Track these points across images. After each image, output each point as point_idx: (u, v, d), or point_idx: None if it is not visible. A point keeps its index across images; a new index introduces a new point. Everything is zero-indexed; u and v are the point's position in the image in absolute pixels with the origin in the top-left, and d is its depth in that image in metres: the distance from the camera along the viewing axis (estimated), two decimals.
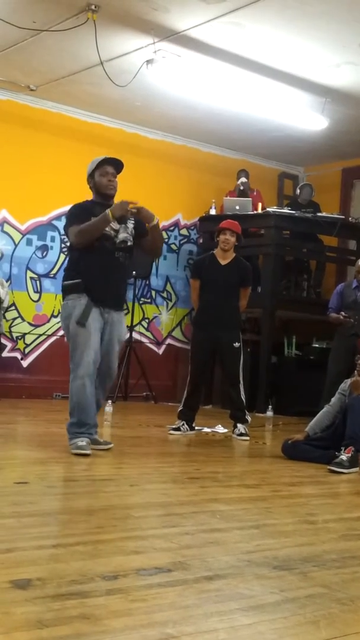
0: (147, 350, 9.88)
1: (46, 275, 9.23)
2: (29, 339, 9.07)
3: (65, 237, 9.24)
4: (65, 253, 9.26)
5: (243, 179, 9.80)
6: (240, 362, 6.42)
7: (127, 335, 8.32)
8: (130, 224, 4.78)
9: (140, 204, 4.77)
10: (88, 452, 4.64)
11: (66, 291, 4.88)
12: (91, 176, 4.89)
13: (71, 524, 3.06)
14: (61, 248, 9.32)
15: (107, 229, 4.75)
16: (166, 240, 10.22)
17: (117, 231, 4.76)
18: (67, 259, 5.17)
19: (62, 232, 9.29)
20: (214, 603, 2.10)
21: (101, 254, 4.78)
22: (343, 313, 7.40)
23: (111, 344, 4.91)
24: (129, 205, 4.68)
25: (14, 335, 8.97)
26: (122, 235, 4.74)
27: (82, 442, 4.70)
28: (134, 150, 9.69)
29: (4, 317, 8.63)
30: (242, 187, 9.73)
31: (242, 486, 4.26)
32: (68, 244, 5.13)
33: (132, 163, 10.22)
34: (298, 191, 10.00)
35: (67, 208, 5.02)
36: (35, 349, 9.14)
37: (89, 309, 4.74)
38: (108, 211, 4.67)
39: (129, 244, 4.77)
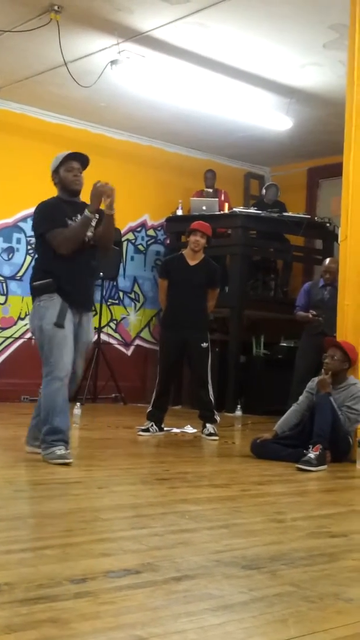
0: (116, 352, 9.86)
1: (12, 278, 9.17)
2: None
3: (31, 238, 9.23)
4: (32, 255, 9.21)
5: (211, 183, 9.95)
6: (209, 363, 6.44)
7: (95, 338, 8.28)
8: (94, 221, 4.64)
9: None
10: (70, 460, 4.42)
11: (37, 291, 4.67)
12: (56, 172, 4.73)
13: (39, 527, 3.04)
14: (27, 250, 9.27)
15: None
16: (133, 241, 10.21)
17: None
18: (36, 258, 4.93)
19: (29, 233, 9.24)
20: (183, 604, 2.10)
21: (76, 255, 4.61)
22: (312, 312, 7.45)
23: (80, 348, 4.75)
24: (97, 188, 4.53)
25: None
26: (89, 234, 4.63)
27: (61, 450, 4.45)
28: (99, 150, 9.64)
29: None
30: (210, 190, 9.86)
31: (211, 486, 4.26)
32: (35, 244, 4.95)
33: (97, 164, 10.15)
34: (264, 191, 10.06)
35: (32, 210, 4.92)
36: (2, 352, 9.07)
37: (64, 309, 4.56)
38: (86, 211, 4.53)
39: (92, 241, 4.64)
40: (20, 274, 9.19)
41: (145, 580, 2.29)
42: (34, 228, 4.86)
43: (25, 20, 6.68)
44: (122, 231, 9.82)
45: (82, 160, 4.73)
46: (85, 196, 4.73)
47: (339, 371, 5.42)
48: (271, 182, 10.40)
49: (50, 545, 2.65)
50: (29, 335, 9.21)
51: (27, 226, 9.23)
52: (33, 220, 4.85)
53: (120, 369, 9.39)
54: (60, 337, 4.53)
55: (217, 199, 9.61)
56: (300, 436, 5.29)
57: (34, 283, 4.71)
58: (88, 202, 4.63)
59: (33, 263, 5.14)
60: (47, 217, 4.67)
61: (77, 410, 6.86)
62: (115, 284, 9.93)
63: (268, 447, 5.36)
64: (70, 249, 4.57)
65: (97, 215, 4.63)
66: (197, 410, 6.73)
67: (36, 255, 4.97)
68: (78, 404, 7.13)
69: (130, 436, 6.28)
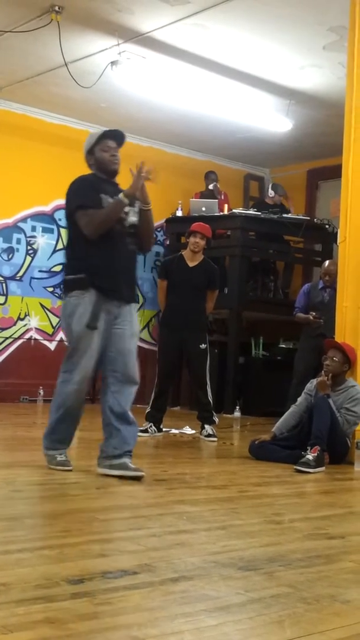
0: None
1: (12, 278, 9.17)
2: None
3: (31, 238, 9.23)
4: (32, 255, 9.21)
5: (215, 184, 9.91)
6: (207, 364, 6.44)
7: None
8: (137, 205, 4.27)
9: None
10: (70, 467, 4.24)
11: (68, 287, 4.23)
12: (90, 153, 4.34)
13: (37, 528, 3.04)
14: (27, 250, 9.27)
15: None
16: None
17: (126, 213, 4.24)
18: (68, 247, 4.41)
19: (29, 233, 9.24)
20: (180, 605, 2.10)
21: (110, 240, 4.19)
22: (313, 314, 7.46)
23: (123, 342, 4.23)
24: (141, 176, 4.17)
25: None
26: (132, 219, 4.25)
27: (62, 456, 4.28)
28: None
29: None
30: (211, 187, 9.82)
31: (209, 487, 4.26)
32: (67, 229, 4.43)
33: None
34: (271, 192, 10.00)
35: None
36: (1, 353, 9.07)
37: (97, 308, 4.15)
38: (121, 195, 4.16)
39: (137, 225, 4.26)
40: (20, 274, 9.19)
41: (143, 581, 2.29)
42: (65, 205, 4.36)
43: (25, 20, 6.68)
44: None
45: (118, 138, 4.38)
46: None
47: (339, 373, 5.42)
48: (276, 183, 10.37)
49: (48, 546, 2.65)
50: (28, 335, 9.23)
51: (27, 226, 9.25)
52: (66, 196, 4.31)
53: None
54: (87, 340, 4.14)
55: (216, 200, 9.61)
56: (299, 438, 5.29)
57: (66, 277, 4.30)
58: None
59: (66, 253, 4.48)
60: (79, 194, 4.23)
61: None
62: None
63: (266, 448, 5.36)
64: (97, 234, 4.14)
65: (136, 206, 4.27)
66: (195, 411, 6.74)
67: (68, 244, 4.43)
68: None
69: None
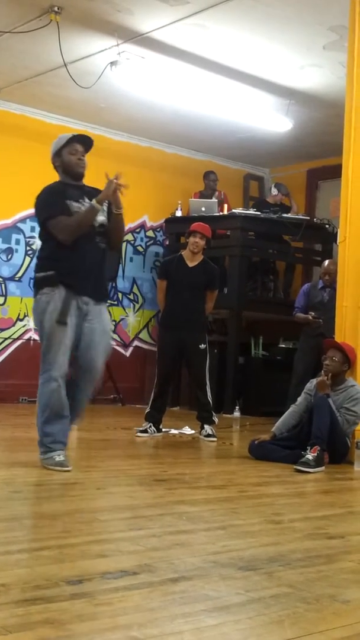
0: (115, 353, 9.82)
1: (11, 279, 9.17)
2: None
3: (30, 239, 9.23)
4: (31, 255, 9.21)
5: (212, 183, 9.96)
6: (207, 364, 6.43)
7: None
8: (105, 205, 4.46)
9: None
10: (69, 468, 4.27)
11: (39, 284, 4.42)
12: (57, 155, 4.53)
13: (36, 528, 3.04)
14: (26, 251, 9.27)
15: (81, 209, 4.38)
16: (132, 242, 10.21)
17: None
18: (40, 247, 4.62)
19: (29, 234, 9.24)
20: (180, 605, 2.10)
21: (80, 240, 4.36)
22: (312, 314, 7.46)
23: (92, 337, 4.40)
24: (114, 184, 4.32)
25: None
26: (101, 218, 4.44)
27: (60, 456, 4.31)
28: (99, 152, 9.52)
29: None
30: (212, 185, 9.87)
31: (209, 487, 4.26)
32: (38, 232, 4.63)
33: (97, 165, 10.17)
34: (274, 190, 9.98)
35: (32, 211, 4.84)
36: (0, 353, 9.06)
37: (67, 304, 4.31)
38: (94, 201, 4.33)
39: (106, 224, 4.46)
40: (19, 274, 9.19)
41: (142, 581, 2.29)
42: (36, 215, 4.58)
43: (25, 21, 6.68)
44: None
45: (86, 143, 4.56)
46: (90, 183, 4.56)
47: (339, 373, 5.41)
48: (279, 182, 10.36)
49: (47, 547, 2.65)
50: (27, 336, 9.22)
51: (26, 227, 9.24)
52: (35, 207, 4.53)
53: (118, 370, 9.39)
54: (59, 336, 4.30)
55: (216, 200, 9.61)
56: (299, 437, 5.29)
57: (36, 275, 4.49)
58: (94, 186, 4.49)
59: (37, 253, 4.73)
60: (48, 203, 4.42)
61: None
62: (114, 284, 9.92)
63: (266, 448, 5.36)
64: (72, 239, 4.33)
65: (104, 205, 4.45)
66: (195, 411, 6.74)
67: (40, 245, 4.63)
68: None
69: (129, 437, 6.28)
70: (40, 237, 4.59)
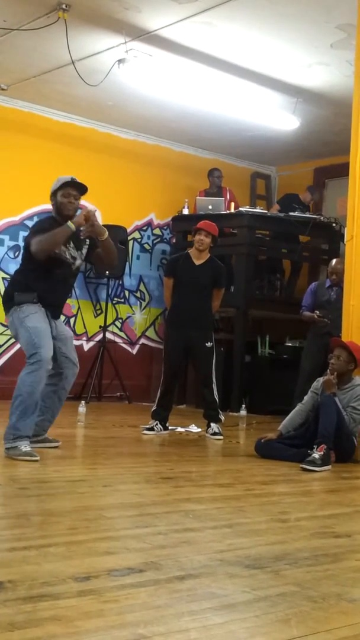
0: (121, 350, 9.87)
1: None
2: (1, 339, 9.01)
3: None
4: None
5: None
6: (213, 362, 6.43)
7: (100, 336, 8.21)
8: (85, 249, 4.95)
9: (99, 210, 4.84)
10: (37, 457, 4.42)
11: (18, 300, 4.81)
12: (54, 195, 4.89)
13: (43, 525, 3.05)
14: None
15: (67, 256, 4.82)
16: (139, 239, 10.21)
17: (74, 258, 4.90)
18: (17, 270, 5.11)
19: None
20: (186, 603, 2.10)
21: (59, 278, 4.86)
22: (317, 312, 7.45)
23: (62, 335, 4.90)
24: (84, 221, 4.71)
25: None
26: (78, 262, 4.92)
27: (26, 447, 4.49)
28: (106, 149, 9.68)
29: None
30: (217, 182, 9.87)
31: (215, 485, 4.27)
32: (23, 256, 5.07)
33: (104, 163, 10.28)
34: (308, 194, 10.05)
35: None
36: (8, 350, 9.07)
37: (44, 312, 4.82)
38: (69, 222, 4.69)
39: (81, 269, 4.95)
40: None
41: (149, 578, 2.29)
42: (24, 243, 5.02)
43: (33, 18, 6.68)
44: (128, 230, 9.82)
45: (79, 188, 4.88)
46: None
47: (345, 372, 5.41)
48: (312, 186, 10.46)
49: (54, 543, 2.66)
50: None
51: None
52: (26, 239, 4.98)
53: (125, 368, 9.40)
54: (44, 328, 4.69)
55: (222, 198, 9.60)
56: (305, 436, 5.29)
57: (17, 293, 4.80)
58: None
59: (14, 274, 5.19)
60: (37, 230, 4.81)
61: (81, 408, 6.88)
62: (121, 282, 9.93)
63: (272, 446, 5.36)
64: (43, 253, 4.67)
65: (87, 243, 4.93)
66: (201, 409, 6.74)
67: (19, 266, 5.11)
68: (83, 402, 7.16)
69: (135, 435, 6.29)
70: (22, 258, 5.05)
